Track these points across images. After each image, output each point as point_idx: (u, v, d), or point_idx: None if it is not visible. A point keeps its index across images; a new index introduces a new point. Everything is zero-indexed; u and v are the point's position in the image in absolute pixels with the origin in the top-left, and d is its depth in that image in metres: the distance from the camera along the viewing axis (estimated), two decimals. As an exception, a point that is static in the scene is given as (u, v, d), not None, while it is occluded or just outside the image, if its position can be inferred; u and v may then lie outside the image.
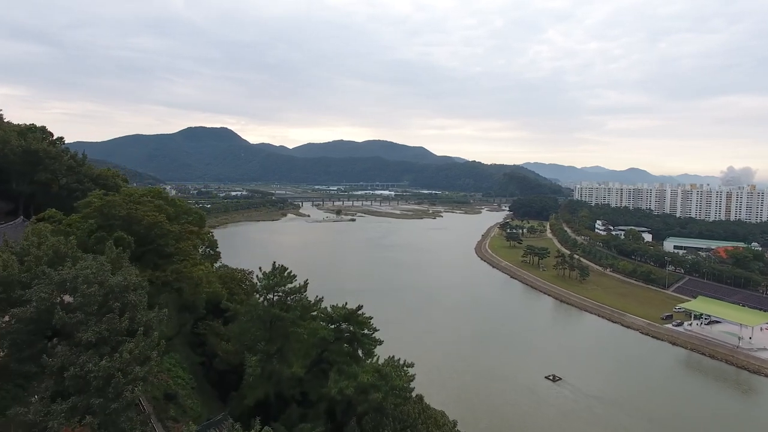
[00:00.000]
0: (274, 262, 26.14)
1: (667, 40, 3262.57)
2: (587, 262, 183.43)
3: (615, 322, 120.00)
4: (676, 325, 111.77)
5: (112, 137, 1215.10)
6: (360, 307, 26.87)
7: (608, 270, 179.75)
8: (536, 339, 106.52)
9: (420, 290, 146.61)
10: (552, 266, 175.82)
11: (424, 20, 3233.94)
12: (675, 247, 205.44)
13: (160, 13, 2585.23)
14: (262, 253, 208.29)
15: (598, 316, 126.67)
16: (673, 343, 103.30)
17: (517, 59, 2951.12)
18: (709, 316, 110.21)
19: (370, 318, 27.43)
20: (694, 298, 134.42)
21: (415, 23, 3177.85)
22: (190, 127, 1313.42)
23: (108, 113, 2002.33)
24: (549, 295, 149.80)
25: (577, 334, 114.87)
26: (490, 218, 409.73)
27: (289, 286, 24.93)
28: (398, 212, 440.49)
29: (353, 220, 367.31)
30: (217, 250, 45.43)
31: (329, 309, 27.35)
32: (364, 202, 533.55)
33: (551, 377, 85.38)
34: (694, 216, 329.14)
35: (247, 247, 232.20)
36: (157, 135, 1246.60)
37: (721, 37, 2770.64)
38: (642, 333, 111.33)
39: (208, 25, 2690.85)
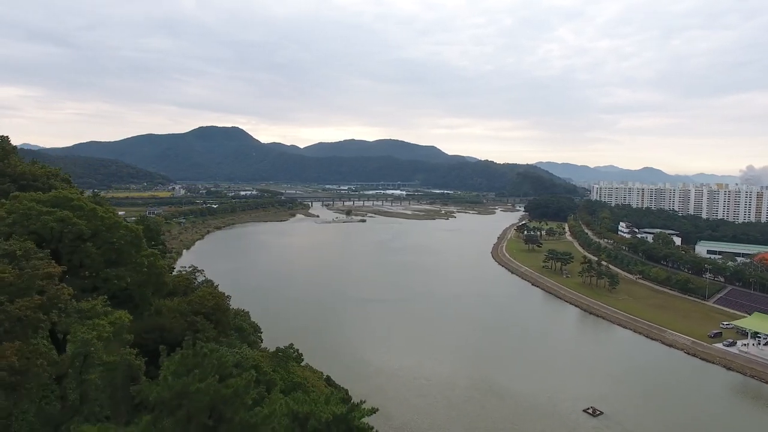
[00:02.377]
0: (187, 339, 14.67)
1: (680, 38, 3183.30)
2: (616, 269, 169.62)
3: (654, 339, 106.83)
4: (727, 345, 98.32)
5: (125, 137, 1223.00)
6: (360, 404, 15.50)
7: (638, 277, 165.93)
8: (567, 359, 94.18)
9: (435, 299, 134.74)
10: (577, 273, 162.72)
11: (433, 19, 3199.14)
12: (708, 251, 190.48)
13: (171, 14, 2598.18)
14: (265, 257, 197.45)
15: (634, 331, 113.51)
16: (728, 368, 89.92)
17: (527, 58, 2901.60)
18: None
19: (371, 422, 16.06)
20: (740, 310, 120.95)
21: (424, 22, 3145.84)
22: (202, 127, 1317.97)
23: (121, 113, 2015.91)
24: (575, 305, 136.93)
25: (612, 353, 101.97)
26: (504, 219, 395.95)
27: (221, 385, 13.01)
28: (410, 212, 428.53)
29: (363, 220, 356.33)
30: (165, 278, 34.22)
31: (308, 401, 15.90)
32: (375, 202, 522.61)
33: (590, 410, 73.12)
34: (721, 217, 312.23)
35: (250, 250, 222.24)
36: (168, 134, 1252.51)
37: (734, 34, 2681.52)
38: (688, 353, 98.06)
39: (218, 26, 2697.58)
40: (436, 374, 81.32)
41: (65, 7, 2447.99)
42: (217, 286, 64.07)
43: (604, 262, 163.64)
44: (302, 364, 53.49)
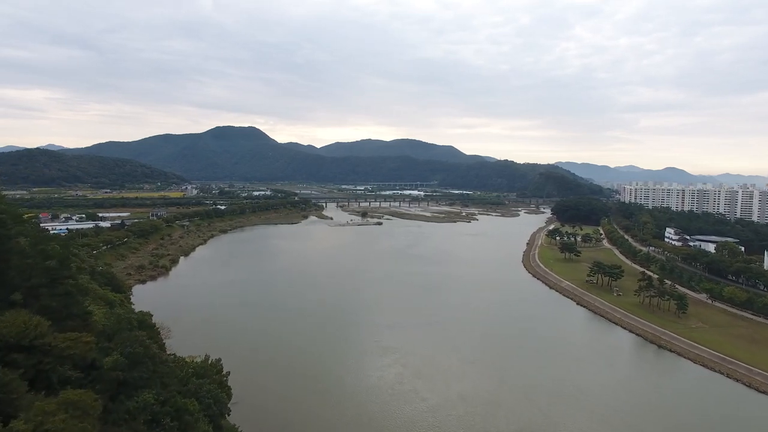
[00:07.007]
0: None
1: (703, 34, 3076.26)
2: (682, 289, 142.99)
3: (762, 392, 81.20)
4: None
5: (144, 137, 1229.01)
6: None
7: (706, 297, 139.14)
8: (660, 422, 69.51)
9: (471, 325, 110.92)
10: (632, 291, 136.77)
11: (450, 18, 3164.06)
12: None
13: (190, 16, 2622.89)
14: (268, 267, 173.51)
15: (726, 375, 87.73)
16: None
17: (544, 56, 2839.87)
18: None
19: None
20: None
21: (441, 21, 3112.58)
22: (219, 127, 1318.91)
23: (141, 114, 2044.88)
24: (636, 333, 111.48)
25: (717, 414, 75.68)
26: (530, 222, 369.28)
27: None
28: (428, 214, 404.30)
29: (380, 223, 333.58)
30: None
31: None
32: (393, 203, 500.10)
33: None
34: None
35: (253, 257, 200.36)
36: (186, 134, 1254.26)
37: (762, 29, 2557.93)
38: (818, 417, 72.43)
39: (236, 27, 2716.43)
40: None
41: (88, 11, 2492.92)
42: (163, 334, 41.71)
43: (668, 281, 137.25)
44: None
